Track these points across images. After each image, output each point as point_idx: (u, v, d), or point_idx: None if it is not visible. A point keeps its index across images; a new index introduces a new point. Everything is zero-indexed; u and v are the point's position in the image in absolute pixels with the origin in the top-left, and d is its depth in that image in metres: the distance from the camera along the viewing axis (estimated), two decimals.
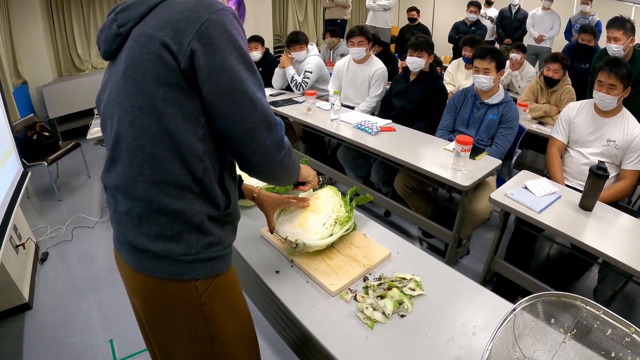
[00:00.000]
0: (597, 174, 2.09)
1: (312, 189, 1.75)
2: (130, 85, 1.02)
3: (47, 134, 4.29)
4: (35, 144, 4.19)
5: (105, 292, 2.92)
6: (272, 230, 1.63)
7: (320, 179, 1.79)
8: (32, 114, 4.61)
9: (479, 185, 2.73)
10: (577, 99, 3.61)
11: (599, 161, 2.13)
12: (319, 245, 1.59)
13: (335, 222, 1.67)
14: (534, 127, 3.76)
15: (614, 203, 2.56)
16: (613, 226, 2.12)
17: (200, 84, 1.00)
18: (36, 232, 3.60)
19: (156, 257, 1.10)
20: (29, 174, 3.26)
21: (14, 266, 2.78)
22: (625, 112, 2.67)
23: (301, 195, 1.80)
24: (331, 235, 1.62)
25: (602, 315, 1.13)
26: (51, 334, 2.57)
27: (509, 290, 2.73)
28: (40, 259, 3.25)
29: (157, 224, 1.08)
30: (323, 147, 4.33)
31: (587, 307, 1.15)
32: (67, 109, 5.79)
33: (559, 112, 3.71)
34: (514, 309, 1.15)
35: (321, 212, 1.70)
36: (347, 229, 1.69)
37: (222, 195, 1.17)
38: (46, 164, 4.04)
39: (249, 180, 1.86)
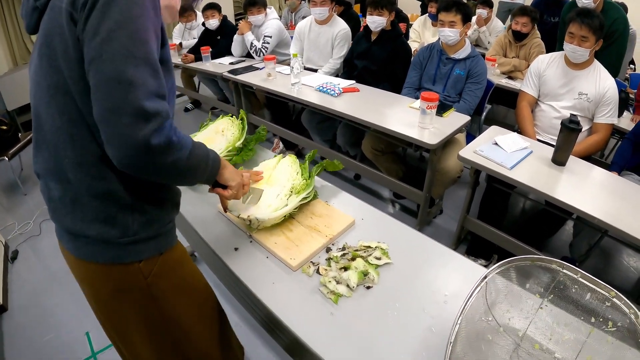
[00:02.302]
0: (570, 127, 2.01)
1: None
2: (45, 63, 0.96)
3: (4, 127, 4.03)
4: None
5: (77, 284, 2.78)
6: (225, 210, 1.50)
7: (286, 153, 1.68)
8: None
9: (448, 142, 2.65)
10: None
11: (571, 114, 2.05)
12: (274, 218, 1.48)
13: (291, 192, 1.56)
14: (504, 81, 3.68)
15: (587, 157, 2.51)
16: (587, 181, 2.07)
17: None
18: (4, 230, 3.43)
19: (95, 242, 1.05)
20: None
21: None
22: (596, 64, 2.60)
23: (256, 169, 1.70)
24: (286, 205, 1.52)
25: (580, 279, 1.05)
26: (29, 333, 2.46)
27: (484, 249, 2.69)
28: (10, 258, 3.09)
29: (90, 207, 1.03)
30: (288, 113, 4.16)
31: (564, 271, 1.08)
32: (26, 99, 5.34)
33: (529, 66, 3.64)
34: (485, 276, 1.07)
35: (275, 183, 1.60)
36: (305, 197, 1.58)
37: None
38: (7, 159, 3.81)
39: None
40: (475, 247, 2.75)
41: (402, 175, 3.29)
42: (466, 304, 1.00)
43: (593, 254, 2.69)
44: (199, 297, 1.33)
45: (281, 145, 4.17)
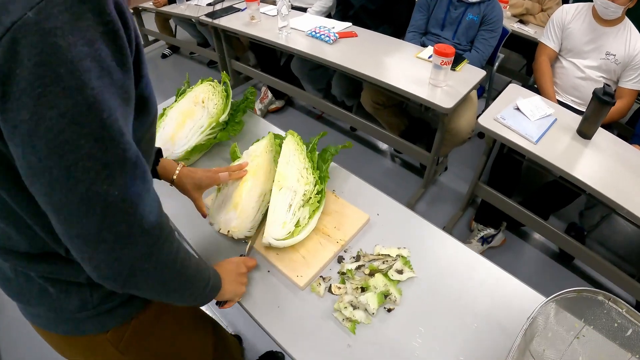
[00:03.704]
0: (603, 99, 1.88)
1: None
2: None
3: None
4: None
5: None
6: (205, 216, 1.35)
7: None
8: None
9: None
10: None
11: (605, 84, 1.92)
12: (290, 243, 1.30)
13: (303, 201, 1.37)
14: (515, 26, 3.50)
15: (609, 124, 2.46)
16: (610, 157, 2.00)
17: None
18: None
19: (47, 316, 0.91)
20: None
21: None
22: (627, 22, 2.45)
23: (239, 161, 1.48)
24: (305, 225, 1.34)
25: (624, 314, 1.02)
26: (24, 330, 2.34)
27: (493, 216, 2.66)
28: None
29: (28, 287, 0.87)
30: (275, 57, 3.94)
31: (610, 303, 1.04)
32: None
33: (542, 10, 3.49)
34: (531, 317, 0.99)
35: (283, 182, 1.38)
36: (319, 204, 1.40)
37: None
38: None
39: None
40: (484, 214, 2.71)
41: (404, 129, 3.18)
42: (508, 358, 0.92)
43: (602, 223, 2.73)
44: (187, 338, 1.23)
45: (269, 94, 3.97)
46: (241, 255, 1.28)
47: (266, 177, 1.44)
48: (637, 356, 1.00)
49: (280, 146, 1.51)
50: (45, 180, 0.60)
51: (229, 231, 1.32)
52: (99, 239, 0.65)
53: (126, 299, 0.95)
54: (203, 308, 1.35)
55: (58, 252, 0.79)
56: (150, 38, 5.25)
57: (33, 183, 0.61)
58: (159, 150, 1.27)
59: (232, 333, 2.29)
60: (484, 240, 2.62)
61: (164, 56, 5.21)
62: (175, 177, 1.29)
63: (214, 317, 2.37)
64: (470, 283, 1.26)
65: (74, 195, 0.61)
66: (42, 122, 0.56)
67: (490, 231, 2.62)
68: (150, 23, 4.98)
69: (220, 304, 1.15)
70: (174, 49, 5.33)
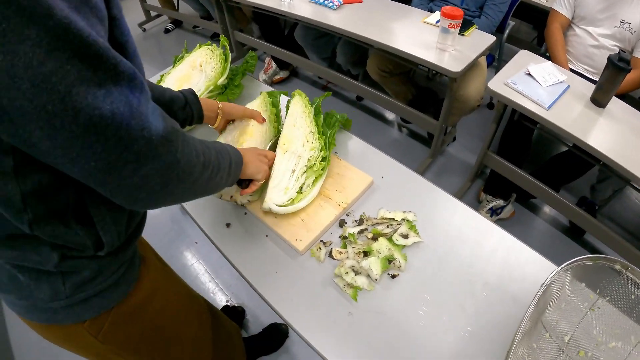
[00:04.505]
0: (618, 65, 1.77)
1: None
2: None
3: None
4: None
5: None
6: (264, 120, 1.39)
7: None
8: None
9: None
10: None
11: (621, 50, 1.82)
12: (291, 209, 1.24)
13: (307, 167, 1.30)
14: None
15: (622, 95, 2.34)
16: (627, 128, 1.89)
17: None
18: None
19: (20, 303, 0.85)
20: None
21: None
22: None
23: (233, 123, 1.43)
24: (306, 193, 1.27)
25: None
26: None
27: (502, 187, 2.59)
28: None
29: (2, 272, 0.81)
30: (279, 27, 3.81)
31: (627, 273, 0.99)
32: None
33: None
34: (544, 283, 0.92)
35: (287, 144, 1.33)
36: (322, 172, 1.32)
37: (87, 236, 0.78)
38: None
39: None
40: (493, 185, 2.63)
41: (411, 98, 3.09)
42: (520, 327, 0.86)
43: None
44: (181, 325, 1.17)
45: (274, 65, 3.86)
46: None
47: (263, 138, 1.38)
48: None
49: (274, 105, 1.46)
50: (43, 121, 0.54)
51: (231, 196, 1.27)
52: (121, 162, 0.62)
53: (104, 288, 0.88)
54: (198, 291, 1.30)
55: (24, 233, 0.72)
56: (153, 13, 5.10)
57: (32, 130, 0.54)
58: (193, 92, 1.26)
59: (235, 304, 2.25)
60: (493, 211, 2.55)
61: (166, 31, 5.05)
62: (220, 105, 1.32)
63: (213, 295, 2.33)
64: (480, 250, 1.19)
65: (78, 126, 0.55)
66: (18, 59, 0.49)
67: (499, 202, 2.55)
68: None
69: (242, 185, 1.15)
70: (177, 24, 5.17)
